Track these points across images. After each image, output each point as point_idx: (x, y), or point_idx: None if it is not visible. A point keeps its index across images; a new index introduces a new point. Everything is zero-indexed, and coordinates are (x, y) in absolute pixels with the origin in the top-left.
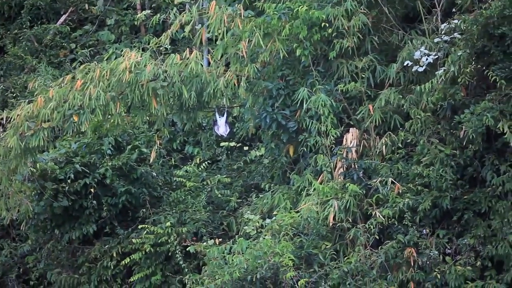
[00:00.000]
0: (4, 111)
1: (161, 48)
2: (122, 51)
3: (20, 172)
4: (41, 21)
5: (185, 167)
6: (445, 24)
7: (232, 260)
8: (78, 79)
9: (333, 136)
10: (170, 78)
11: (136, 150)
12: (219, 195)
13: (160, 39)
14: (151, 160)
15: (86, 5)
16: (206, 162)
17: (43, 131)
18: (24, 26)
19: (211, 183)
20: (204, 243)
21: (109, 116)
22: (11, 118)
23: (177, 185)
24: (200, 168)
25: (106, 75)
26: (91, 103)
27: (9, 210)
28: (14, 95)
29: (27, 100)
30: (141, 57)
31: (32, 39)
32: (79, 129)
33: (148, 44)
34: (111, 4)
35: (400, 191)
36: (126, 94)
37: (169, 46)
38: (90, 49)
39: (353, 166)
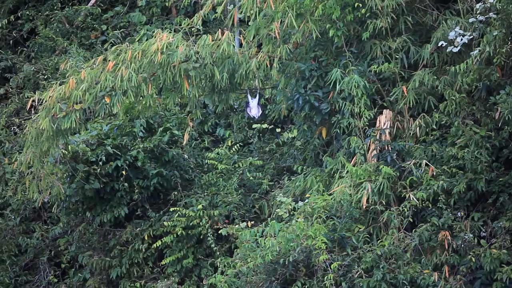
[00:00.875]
0: (36, 93)
1: (193, 29)
2: (153, 32)
3: (51, 154)
4: (72, 2)
5: (216, 149)
6: (480, 3)
7: (265, 243)
8: (109, 60)
9: (366, 117)
10: (202, 60)
11: (167, 132)
12: (251, 178)
13: (192, 20)
14: (184, 142)
15: None
16: (237, 145)
17: (75, 112)
18: (55, 7)
19: (242, 165)
20: (236, 226)
21: (141, 97)
22: (43, 100)
23: (209, 168)
24: (231, 151)
25: (138, 56)
26: (123, 84)
27: (40, 192)
28: (45, 77)
29: (59, 82)
30: (173, 38)
31: (63, 20)
32: (110, 111)
33: (180, 25)
34: None
35: (434, 173)
36: (158, 76)
37: (201, 27)
38: (121, 30)
39: (386, 148)
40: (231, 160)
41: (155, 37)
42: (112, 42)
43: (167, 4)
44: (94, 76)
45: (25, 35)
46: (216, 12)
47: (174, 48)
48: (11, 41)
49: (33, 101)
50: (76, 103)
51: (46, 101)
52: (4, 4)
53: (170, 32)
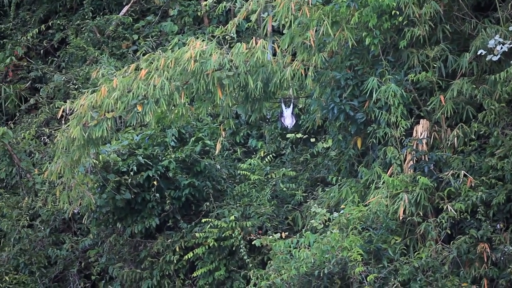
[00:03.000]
0: (67, 101)
1: (226, 37)
2: (186, 40)
3: (82, 163)
4: (103, 12)
5: (249, 160)
6: None
7: (299, 254)
8: (142, 68)
9: (403, 127)
10: (236, 68)
11: (199, 142)
12: (284, 189)
13: (226, 27)
14: (216, 152)
15: None
16: (270, 156)
17: (107, 121)
18: (86, 17)
19: (275, 176)
20: (270, 237)
21: (173, 106)
22: (73, 109)
23: (241, 179)
24: (264, 162)
25: (171, 64)
26: (155, 92)
27: (71, 202)
28: (76, 87)
29: (90, 90)
30: (206, 46)
31: (94, 30)
32: (143, 119)
33: (212, 35)
34: None
35: (473, 184)
36: (191, 84)
37: (235, 35)
38: (153, 39)
39: (423, 159)
40: (263, 171)
41: (188, 45)
42: (144, 51)
43: (199, 14)
44: (126, 84)
45: (56, 45)
46: (249, 22)
47: (207, 56)
48: (41, 51)
49: (64, 110)
50: (108, 112)
51: (77, 110)
52: (35, 13)
53: (204, 40)
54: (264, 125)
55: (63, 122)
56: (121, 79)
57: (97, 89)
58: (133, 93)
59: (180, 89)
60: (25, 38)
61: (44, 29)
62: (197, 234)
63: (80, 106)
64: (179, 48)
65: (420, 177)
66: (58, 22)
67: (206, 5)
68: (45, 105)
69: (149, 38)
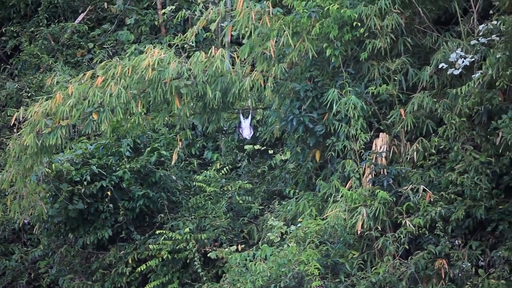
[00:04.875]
0: (20, 109)
1: (185, 46)
2: (144, 47)
3: (35, 172)
4: (58, 19)
5: (205, 172)
6: (483, 25)
7: (255, 267)
8: (98, 76)
9: (362, 140)
10: (194, 77)
11: (155, 152)
12: (240, 202)
13: (185, 36)
14: (172, 163)
15: (105, 4)
16: (226, 168)
17: (61, 129)
18: (40, 24)
19: (231, 188)
20: (226, 249)
21: (130, 115)
22: (26, 117)
23: (196, 191)
24: (220, 174)
25: (128, 72)
26: (112, 100)
27: (22, 212)
28: (29, 95)
29: (45, 97)
30: (164, 54)
31: (49, 37)
32: (98, 128)
33: (170, 44)
34: (131, 3)
35: (432, 200)
36: (148, 92)
37: (194, 44)
38: (109, 48)
39: (382, 173)
40: (219, 183)
41: (146, 52)
42: (100, 59)
43: (156, 23)
44: (82, 91)
45: (9, 52)
46: (207, 32)
47: (165, 65)
48: None
49: (17, 117)
50: (63, 119)
51: (31, 117)
52: None
53: (162, 48)
54: (220, 136)
55: (15, 130)
56: (77, 86)
57: (52, 96)
58: (88, 101)
59: (137, 97)
60: None
61: None
62: (150, 246)
63: (34, 113)
64: (136, 57)
65: (379, 191)
66: (12, 28)
67: (164, 13)
68: None
69: (105, 46)
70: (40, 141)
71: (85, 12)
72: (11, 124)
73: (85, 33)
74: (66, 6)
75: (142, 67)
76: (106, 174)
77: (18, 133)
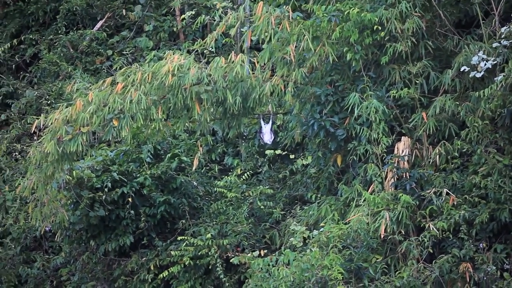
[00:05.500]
0: (41, 116)
1: (205, 52)
2: (164, 53)
3: (56, 179)
4: (77, 27)
5: (225, 177)
6: (504, 27)
7: (278, 272)
8: (118, 82)
9: (384, 144)
10: (214, 83)
11: (176, 158)
12: (262, 207)
13: (205, 41)
14: (193, 168)
15: (124, 11)
16: (247, 173)
17: (82, 135)
18: (59, 32)
19: (253, 194)
20: (248, 255)
21: (150, 121)
22: (46, 124)
23: (217, 196)
24: (241, 179)
25: (148, 78)
26: (132, 107)
27: (43, 219)
28: (48, 102)
29: (65, 104)
30: (184, 59)
31: (68, 45)
32: (118, 134)
33: (189, 49)
34: (150, 10)
35: (455, 203)
36: (168, 98)
37: (214, 49)
38: (128, 55)
39: (405, 176)
40: (240, 189)
41: (165, 58)
42: (119, 66)
43: (175, 29)
44: (102, 98)
45: (28, 60)
46: (226, 38)
47: (185, 70)
48: (13, 66)
49: (37, 125)
50: (83, 126)
51: (51, 124)
52: (6, 28)
53: (182, 54)
54: (240, 142)
55: (35, 138)
56: (97, 93)
57: (72, 103)
58: (109, 108)
59: (157, 103)
60: None
61: (16, 44)
62: (172, 252)
63: (55, 120)
64: (155, 63)
65: (402, 195)
66: (31, 36)
67: (183, 19)
68: (17, 121)
69: (123, 53)
70: (61, 148)
71: (104, 19)
72: (31, 132)
73: (103, 40)
74: (85, 13)
75: (162, 73)
76: (127, 180)
77: (39, 141)
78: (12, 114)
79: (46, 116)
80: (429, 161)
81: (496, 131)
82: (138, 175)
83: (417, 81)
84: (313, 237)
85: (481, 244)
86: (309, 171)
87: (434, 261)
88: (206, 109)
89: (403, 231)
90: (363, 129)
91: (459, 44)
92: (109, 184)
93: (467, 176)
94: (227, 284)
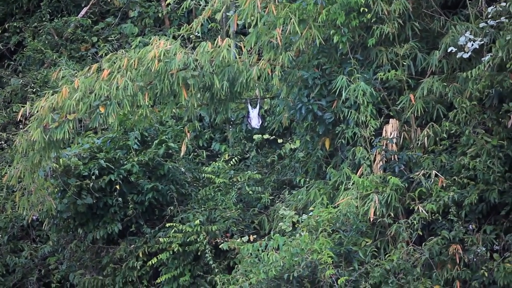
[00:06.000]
0: (27, 104)
1: (191, 36)
2: (149, 40)
3: (43, 167)
4: (62, 14)
5: (213, 163)
6: (491, 7)
7: (268, 257)
8: (104, 68)
9: (372, 127)
10: (201, 67)
11: (163, 145)
12: (250, 192)
13: (191, 26)
14: (181, 154)
15: None
16: (235, 159)
17: (68, 123)
18: (43, 19)
19: (241, 179)
20: (238, 240)
21: (137, 108)
22: (32, 112)
23: (205, 182)
24: (229, 165)
25: (134, 64)
26: (118, 93)
27: (31, 208)
28: (34, 90)
29: (51, 91)
30: (170, 45)
31: (52, 32)
32: (105, 121)
33: (173, 37)
34: None
35: (444, 185)
36: (155, 84)
37: (200, 34)
38: (113, 42)
39: (393, 159)
40: (228, 174)
41: (152, 44)
42: (104, 53)
43: (160, 15)
44: (88, 85)
45: (12, 48)
46: (211, 23)
47: (171, 56)
48: None
49: (23, 113)
50: (70, 113)
51: (37, 111)
52: None
53: (167, 39)
54: (228, 127)
55: (21, 126)
56: (83, 80)
57: (58, 91)
58: (95, 94)
59: (144, 89)
60: None
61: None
62: (161, 239)
63: (41, 108)
64: (141, 49)
65: (391, 178)
66: (15, 24)
67: (168, 4)
68: (2, 109)
69: (109, 40)
70: (48, 136)
71: (88, 6)
72: (17, 121)
73: (88, 27)
74: (69, 0)
75: (148, 59)
76: (114, 168)
77: (25, 129)
78: None
79: (32, 104)
80: (418, 143)
81: (484, 112)
82: (126, 162)
83: (404, 63)
84: (302, 222)
85: (470, 226)
86: (297, 155)
87: (423, 243)
88: (193, 94)
89: (392, 214)
90: (351, 112)
91: (446, 25)
92: (96, 172)
93: (455, 157)
94: (216, 270)
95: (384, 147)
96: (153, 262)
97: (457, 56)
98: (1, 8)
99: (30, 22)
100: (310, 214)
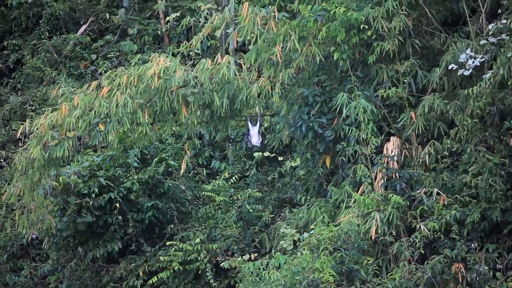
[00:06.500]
0: (26, 121)
1: (191, 54)
2: (149, 57)
3: (42, 185)
4: (60, 31)
5: (213, 181)
6: (492, 24)
7: (269, 276)
8: (104, 86)
9: (373, 144)
10: (201, 85)
11: (163, 163)
12: (250, 210)
13: (190, 43)
14: (181, 172)
15: (107, 15)
16: (235, 177)
17: (68, 140)
18: (42, 36)
19: (241, 197)
20: (239, 258)
21: (136, 125)
22: (32, 129)
23: (206, 201)
24: (229, 183)
25: (134, 82)
26: (118, 111)
27: (30, 226)
28: (33, 108)
29: (50, 109)
30: (170, 62)
31: (51, 50)
32: (105, 138)
33: (173, 54)
34: (133, 13)
35: (446, 203)
36: (155, 102)
37: (200, 51)
38: (112, 59)
39: (394, 177)
40: (228, 193)
41: (151, 61)
42: (104, 71)
43: (159, 33)
44: (87, 102)
45: (11, 65)
46: (211, 40)
47: (171, 73)
48: None
49: (23, 131)
50: (69, 131)
51: (37, 129)
52: None
53: (167, 57)
54: (228, 145)
55: (20, 144)
56: (83, 97)
57: (58, 108)
58: (95, 112)
59: (144, 107)
60: None
61: None
62: (161, 258)
63: (40, 125)
64: (140, 67)
65: (392, 196)
66: (14, 42)
67: (168, 22)
68: (1, 127)
69: (108, 57)
70: (47, 154)
71: (87, 24)
72: (16, 138)
73: (87, 45)
74: (68, 18)
75: (148, 76)
76: (114, 186)
77: (25, 146)
78: None
79: (31, 122)
80: (419, 161)
81: (486, 130)
82: (125, 180)
83: (405, 80)
84: (303, 240)
85: (472, 244)
86: (298, 173)
87: (426, 262)
88: (193, 112)
89: (394, 232)
90: (351, 129)
91: (446, 42)
92: (96, 190)
93: (457, 175)
94: None
95: (385, 165)
96: (154, 281)
97: (458, 74)
98: (0, 26)
99: (29, 40)
100: (311, 232)
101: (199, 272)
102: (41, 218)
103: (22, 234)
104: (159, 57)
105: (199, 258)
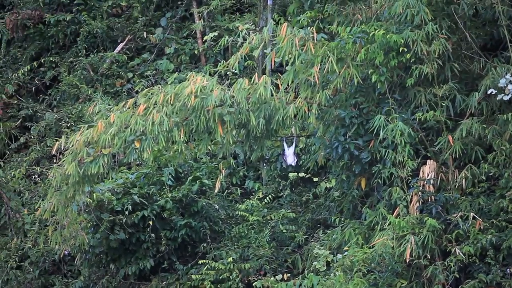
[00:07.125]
0: (62, 137)
1: (228, 73)
2: (186, 76)
3: (76, 202)
4: (97, 49)
5: (247, 201)
6: None
7: None
8: (140, 103)
9: (409, 167)
10: (237, 104)
11: (197, 181)
12: (284, 231)
13: (228, 62)
14: (215, 191)
15: (145, 33)
16: (269, 197)
17: (103, 157)
18: (79, 54)
19: (274, 217)
20: (271, 278)
21: (172, 143)
22: (66, 147)
23: (239, 220)
24: (263, 203)
25: (170, 100)
26: (154, 128)
27: (63, 242)
28: (68, 125)
29: (86, 126)
30: (207, 81)
31: (88, 67)
32: (140, 156)
33: (209, 74)
34: (171, 32)
35: (482, 227)
36: (191, 120)
37: (237, 71)
38: (149, 78)
39: (430, 200)
40: (262, 212)
41: (188, 80)
42: (140, 89)
43: (196, 52)
44: (123, 119)
45: (48, 82)
46: (248, 60)
47: (208, 92)
48: (32, 89)
49: (58, 147)
50: (105, 148)
51: (73, 145)
52: (26, 51)
53: (204, 76)
54: (262, 165)
55: (55, 160)
56: (119, 115)
57: (94, 125)
58: (131, 129)
59: (180, 125)
60: (16, 75)
61: (35, 66)
62: (193, 276)
63: (76, 142)
64: (176, 85)
65: (428, 219)
66: (51, 59)
67: (205, 41)
68: (36, 143)
69: (144, 76)
70: (82, 170)
71: (124, 42)
72: (51, 155)
73: (124, 63)
74: (105, 36)
75: (184, 95)
76: (148, 203)
77: (60, 163)
78: (32, 137)
79: (66, 138)
80: (455, 185)
81: None
82: (159, 198)
83: (443, 104)
84: (337, 261)
85: (508, 269)
86: (333, 194)
87: (460, 286)
88: (229, 131)
89: (428, 256)
90: (388, 152)
91: (486, 67)
92: (130, 207)
93: (494, 200)
94: None
95: (421, 188)
96: None
97: (497, 98)
98: (37, 43)
99: (66, 57)
100: (345, 254)
101: None
102: (74, 234)
103: (54, 250)
104: (196, 76)
105: (231, 277)
